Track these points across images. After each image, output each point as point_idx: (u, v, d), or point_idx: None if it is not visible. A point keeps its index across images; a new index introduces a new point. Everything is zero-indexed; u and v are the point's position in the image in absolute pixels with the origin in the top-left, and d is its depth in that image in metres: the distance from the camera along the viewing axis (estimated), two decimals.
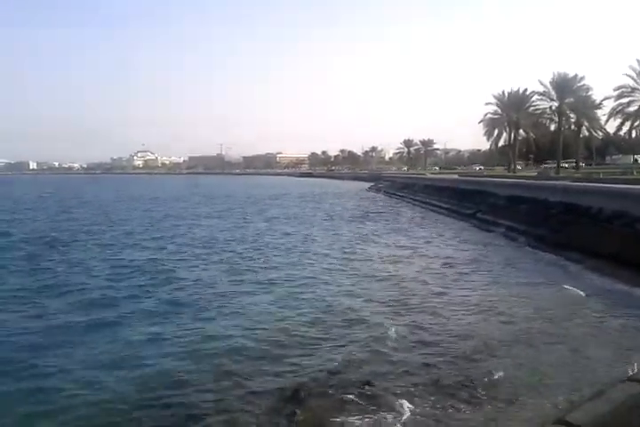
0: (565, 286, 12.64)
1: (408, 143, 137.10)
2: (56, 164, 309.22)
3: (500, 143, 66.40)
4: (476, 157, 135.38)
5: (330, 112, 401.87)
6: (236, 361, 8.09)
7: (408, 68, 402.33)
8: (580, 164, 62.47)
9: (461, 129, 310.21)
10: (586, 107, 54.73)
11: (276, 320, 10.16)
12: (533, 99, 60.02)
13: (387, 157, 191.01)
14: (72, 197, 56.92)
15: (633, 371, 7.10)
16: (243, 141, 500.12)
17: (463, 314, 10.64)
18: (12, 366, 7.85)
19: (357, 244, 20.71)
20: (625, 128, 49.12)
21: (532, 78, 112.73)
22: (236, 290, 12.73)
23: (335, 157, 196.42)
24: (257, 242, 21.31)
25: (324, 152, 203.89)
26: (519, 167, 71.37)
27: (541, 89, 56.87)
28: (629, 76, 46.24)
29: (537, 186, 27.16)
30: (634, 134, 50.40)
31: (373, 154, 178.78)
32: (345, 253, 18.48)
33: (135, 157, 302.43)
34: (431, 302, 11.51)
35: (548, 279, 13.60)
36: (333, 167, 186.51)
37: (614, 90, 47.33)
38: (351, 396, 6.71)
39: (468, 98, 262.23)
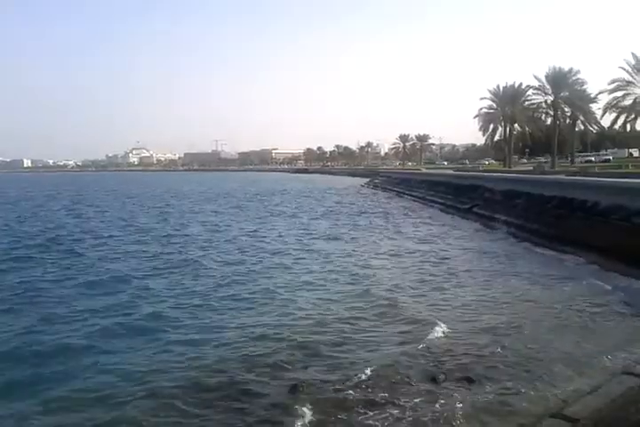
0: (564, 281, 12.79)
1: (404, 138, 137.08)
2: (50, 161, 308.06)
3: (496, 138, 66.56)
4: (470, 151, 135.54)
5: (325, 108, 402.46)
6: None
7: (404, 64, 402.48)
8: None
9: (457, 124, 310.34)
10: (581, 101, 54.68)
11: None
12: (528, 93, 59.90)
13: (382, 153, 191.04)
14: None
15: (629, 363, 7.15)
16: (238, 137, 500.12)
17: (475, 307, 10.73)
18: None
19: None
20: (620, 122, 49.15)
21: (528, 72, 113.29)
22: None
23: (331, 152, 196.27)
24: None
25: (319, 148, 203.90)
26: (523, 161, 70.67)
27: (536, 83, 56.82)
28: (624, 69, 46.20)
29: (533, 180, 27.21)
30: (628, 128, 50.40)
31: (369, 149, 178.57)
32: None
33: (130, 155, 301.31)
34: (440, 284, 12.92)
35: (547, 273, 13.75)
36: (329, 163, 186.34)
37: (609, 83, 47.22)
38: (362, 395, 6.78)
39: (464, 93, 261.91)
